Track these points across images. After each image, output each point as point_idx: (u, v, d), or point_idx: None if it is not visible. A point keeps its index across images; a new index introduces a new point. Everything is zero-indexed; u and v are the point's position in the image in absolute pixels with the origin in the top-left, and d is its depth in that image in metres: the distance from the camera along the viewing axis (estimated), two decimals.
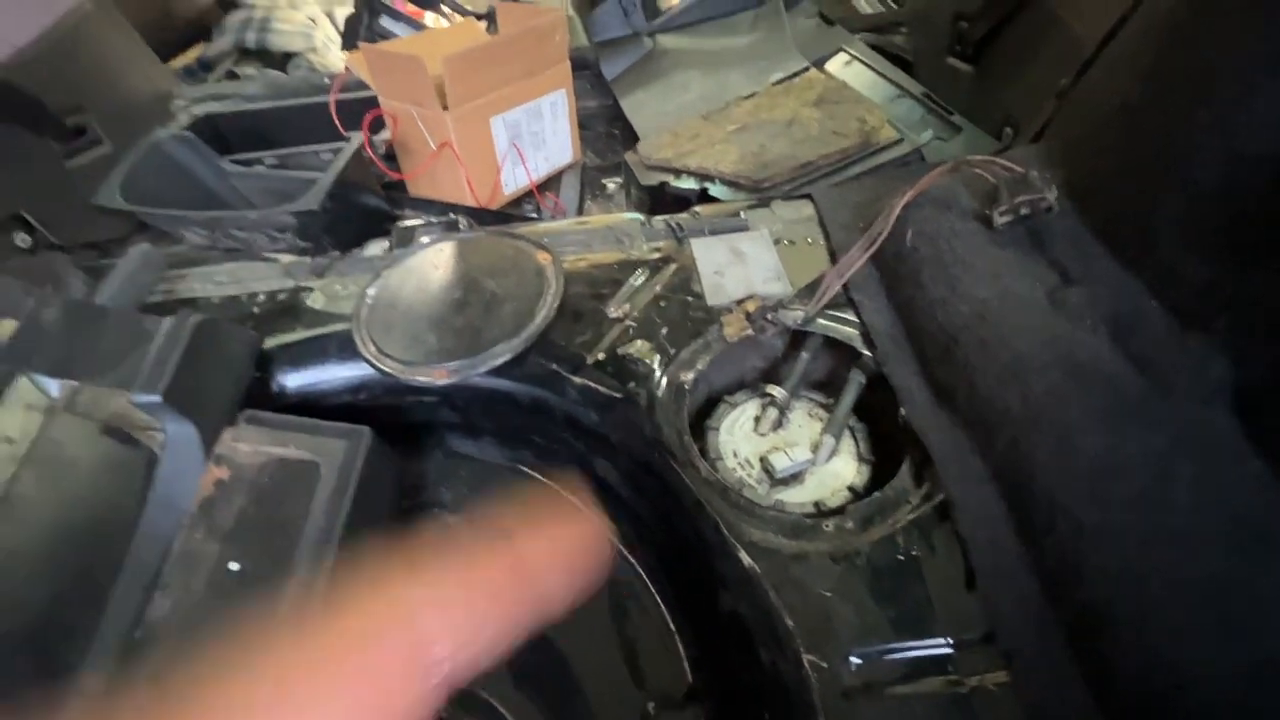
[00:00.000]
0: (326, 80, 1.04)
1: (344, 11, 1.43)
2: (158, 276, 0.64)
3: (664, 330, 0.57)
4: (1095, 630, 0.33)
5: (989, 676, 0.36)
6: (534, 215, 0.88)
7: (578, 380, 0.55)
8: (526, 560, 0.15)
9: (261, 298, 0.64)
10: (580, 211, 0.91)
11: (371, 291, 0.62)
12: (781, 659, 0.39)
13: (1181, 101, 0.43)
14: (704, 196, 0.76)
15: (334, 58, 1.41)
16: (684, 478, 0.47)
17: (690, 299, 0.59)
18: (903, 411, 0.48)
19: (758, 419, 0.54)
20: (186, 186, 0.84)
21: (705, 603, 0.47)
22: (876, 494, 0.44)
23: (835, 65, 0.90)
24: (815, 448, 0.51)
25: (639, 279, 0.61)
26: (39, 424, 0.46)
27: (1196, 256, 0.40)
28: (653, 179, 0.80)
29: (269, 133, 0.98)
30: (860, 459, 0.51)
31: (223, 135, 0.98)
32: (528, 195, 0.91)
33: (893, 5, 1.09)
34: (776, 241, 0.64)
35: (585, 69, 1.05)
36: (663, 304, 0.59)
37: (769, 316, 0.56)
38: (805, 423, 0.54)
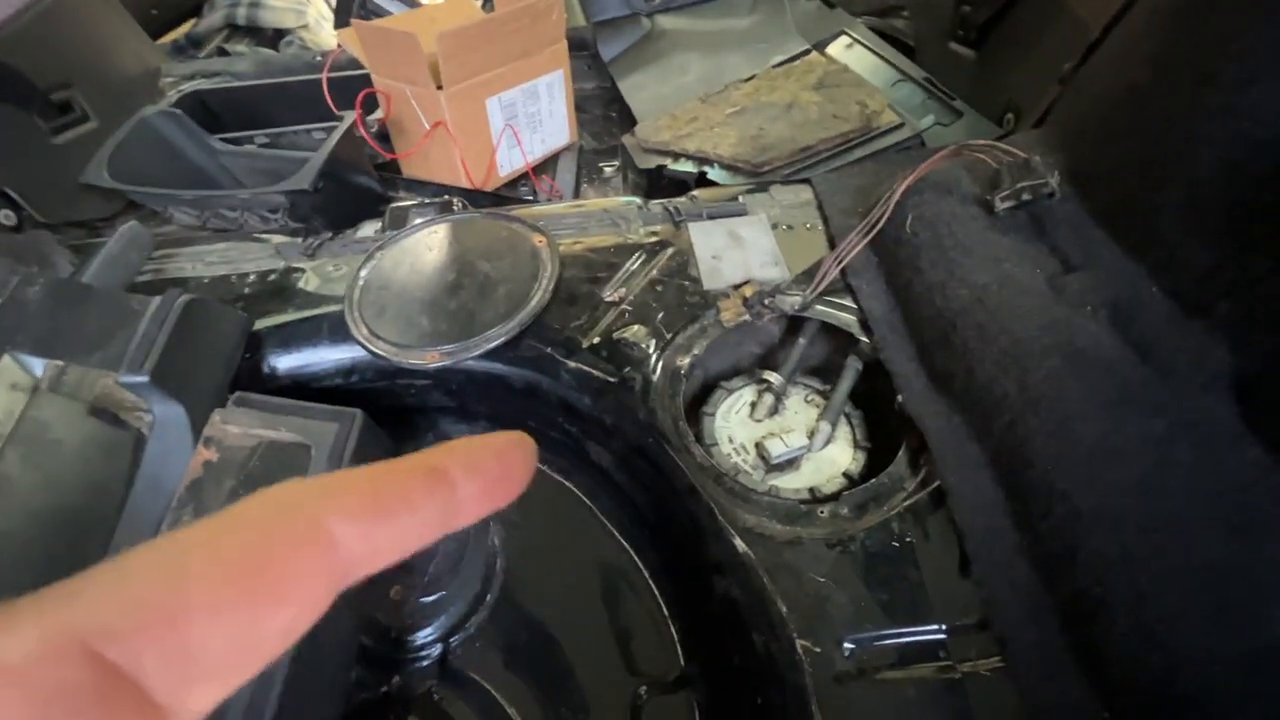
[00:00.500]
0: (318, 58, 1.02)
1: None
2: (145, 256, 0.63)
3: (660, 314, 0.56)
4: (1090, 615, 0.33)
5: (982, 662, 0.36)
6: (529, 198, 0.87)
7: (572, 364, 0.54)
8: (440, 465, 0.15)
9: (252, 278, 0.63)
10: (576, 195, 0.90)
11: (364, 273, 0.61)
12: (774, 644, 0.39)
13: (1186, 87, 0.42)
14: (702, 180, 0.75)
15: (326, 35, 1.39)
16: (678, 463, 0.46)
17: (687, 283, 0.59)
18: (899, 398, 0.48)
19: (754, 405, 0.54)
20: (175, 165, 0.83)
21: (698, 587, 0.47)
22: (872, 481, 0.44)
23: (836, 49, 0.89)
24: (811, 434, 0.51)
25: (635, 263, 0.61)
26: (23, 404, 0.46)
27: (1198, 242, 0.40)
28: (650, 162, 0.79)
29: (260, 111, 0.97)
30: (856, 445, 0.51)
31: (212, 113, 0.96)
32: (523, 177, 0.89)
33: None
34: (775, 226, 0.63)
35: (583, 50, 1.04)
36: (659, 288, 0.58)
37: (766, 302, 0.55)
38: (801, 409, 0.54)
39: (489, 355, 0.55)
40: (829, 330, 0.56)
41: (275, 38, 1.37)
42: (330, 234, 0.67)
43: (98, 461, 0.46)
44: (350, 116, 0.73)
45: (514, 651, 0.51)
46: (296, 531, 0.13)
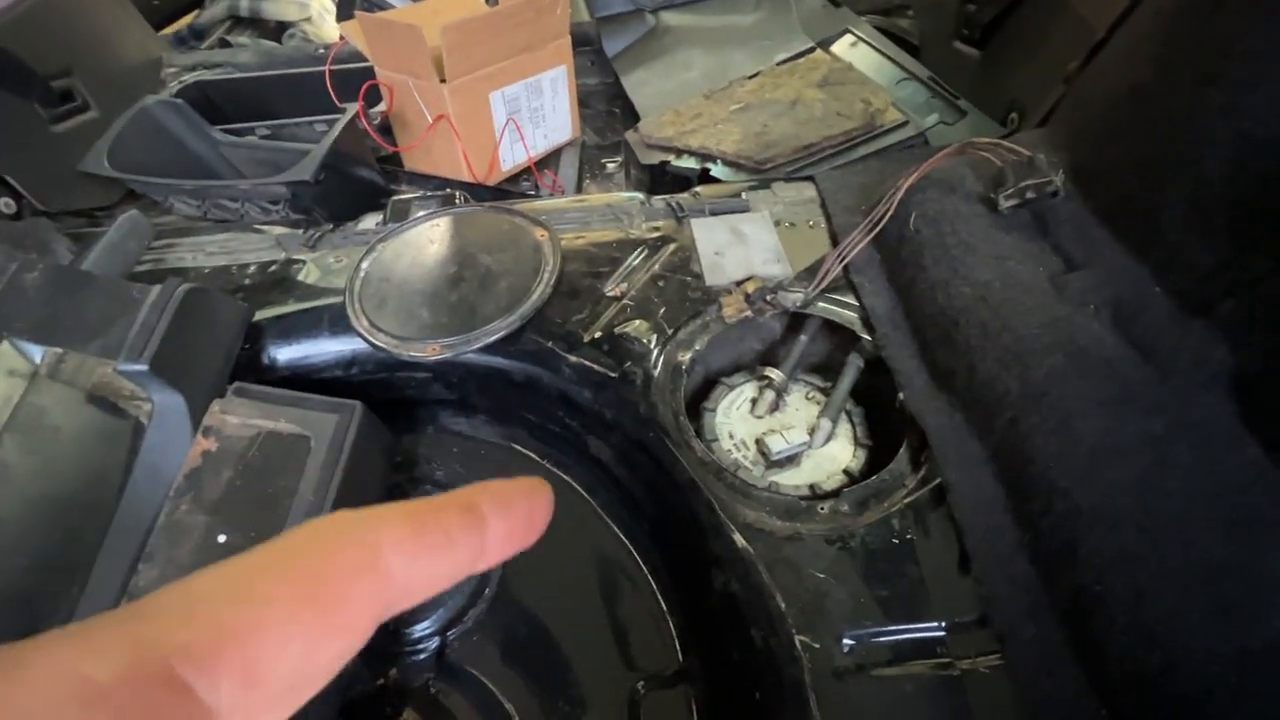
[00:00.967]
0: (321, 50, 1.02)
1: None
2: (145, 245, 0.63)
3: (661, 310, 0.56)
4: (1089, 612, 0.33)
5: (981, 659, 0.36)
6: (532, 192, 0.87)
7: (573, 358, 0.54)
8: (475, 505, 0.16)
9: (252, 269, 0.63)
10: (579, 190, 0.90)
11: (365, 265, 0.61)
12: (773, 639, 0.39)
13: (1188, 87, 0.42)
14: (705, 176, 0.75)
15: (329, 28, 1.38)
16: (679, 457, 0.46)
17: (689, 279, 0.59)
18: (901, 395, 0.48)
19: (754, 401, 0.54)
20: (176, 155, 0.83)
21: (697, 582, 0.46)
22: (872, 478, 0.44)
23: (841, 47, 0.89)
24: (812, 431, 0.51)
25: (637, 258, 0.61)
26: (21, 390, 0.45)
27: (1201, 242, 0.40)
28: (653, 158, 0.79)
29: (262, 102, 0.96)
30: (857, 443, 0.51)
31: (214, 104, 0.96)
32: (525, 172, 0.89)
33: None
34: (777, 223, 0.63)
35: (586, 45, 1.04)
36: (661, 284, 0.58)
37: (768, 298, 0.55)
38: (802, 406, 0.54)
39: (490, 349, 0.55)
40: (831, 327, 0.56)
41: (278, 30, 1.36)
42: (331, 226, 0.67)
43: (96, 449, 0.46)
44: (352, 109, 0.73)
45: (512, 645, 0.51)
46: (357, 558, 0.14)
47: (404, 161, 0.87)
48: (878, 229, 0.54)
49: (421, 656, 0.51)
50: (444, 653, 0.51)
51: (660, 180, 0.80)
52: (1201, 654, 0.30)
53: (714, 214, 0.65)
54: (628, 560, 0.53)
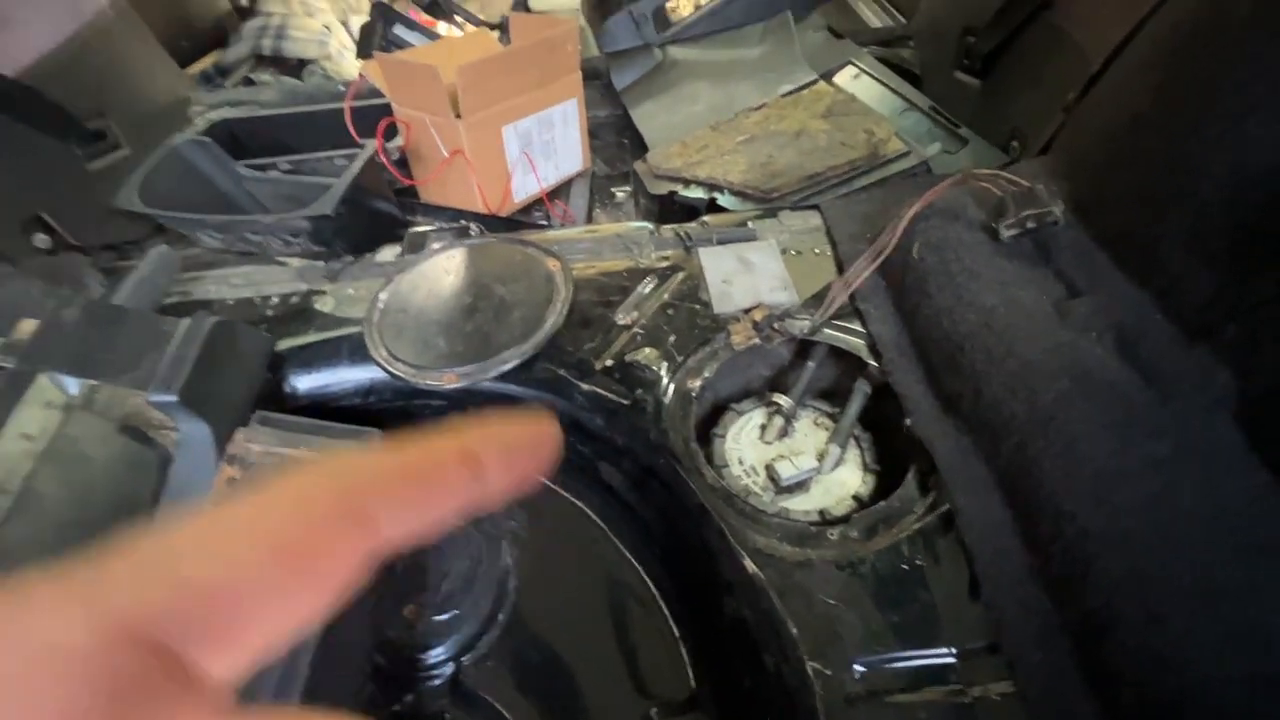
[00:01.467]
0: (341, 87, 1.06)
1: (359, 20, 1.45)
2: (173, 278, 0.65)
3: (671, 338, 0.57)
4: (1100, 637, 0.33)
5: (993, 686, 0.36)
6: (544, 223, 0.89)
7: (585, 386, 0.55)
8: (472, 450, 0.15)
9: (275, 300, 0.65)
10: (589, 219, 0.92)
11: (383, 296, 0.63)
12: (785, 665, 0.39)
13: (1188, 115, 0.43)
14: (712, 206, 0.77)
15: (348, 65, 1.43)
16: (689, 484, 0.47)
17: (698, 307, 0.60)
18: (908, 420, 0.49)
19: (764, 427, 0.55)
20: (203, 190, 0.86)
21: (709, 608, 0.47)
22: (881, 503, 0.45)
23: (844, 78, 0.91)
24: (821, 456, 0.51)
25: (647, 287, 0.62)
26: (58, 421, 0.47)
27: (1202, 267, 0.41)
28: (662, 188, 0.81)
29: (284, 138, 1.00)
30: (866, 468, 0.51)
31: (239, 140, 0.99)
32: (537, 203, 0.92)
33: (900, 19, 1.10)
34: (784, 251, 0.65)
35: (595, 79, 1.07)
36: (670, 312, 0.60)
37: (776, 325, 0.56)
38: (811, 431, 0.55)
39: (504, 377, 0.56)
40: (838, 354, 0.57)
41: (299, 67, 1.41)
42: (351, 258, 0.69)
43: (126, 478, 0.48)
44: (371, 145, 0.76)
45: (525, 672, 0.52)
46: (337, 511, 0.13)
47: (420, 194, 0.90)
48: (883, 257, 0.56)
49: (436, 683, 0.51)
50: (458, 679, 0.51)
51: (669, 210, 0.82)
52: (1213, 679, 0.30)
53: (721, 243, 0.67)
54: (640, 586, 0.54)
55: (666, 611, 0.52)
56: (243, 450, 0.50)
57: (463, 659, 0.52)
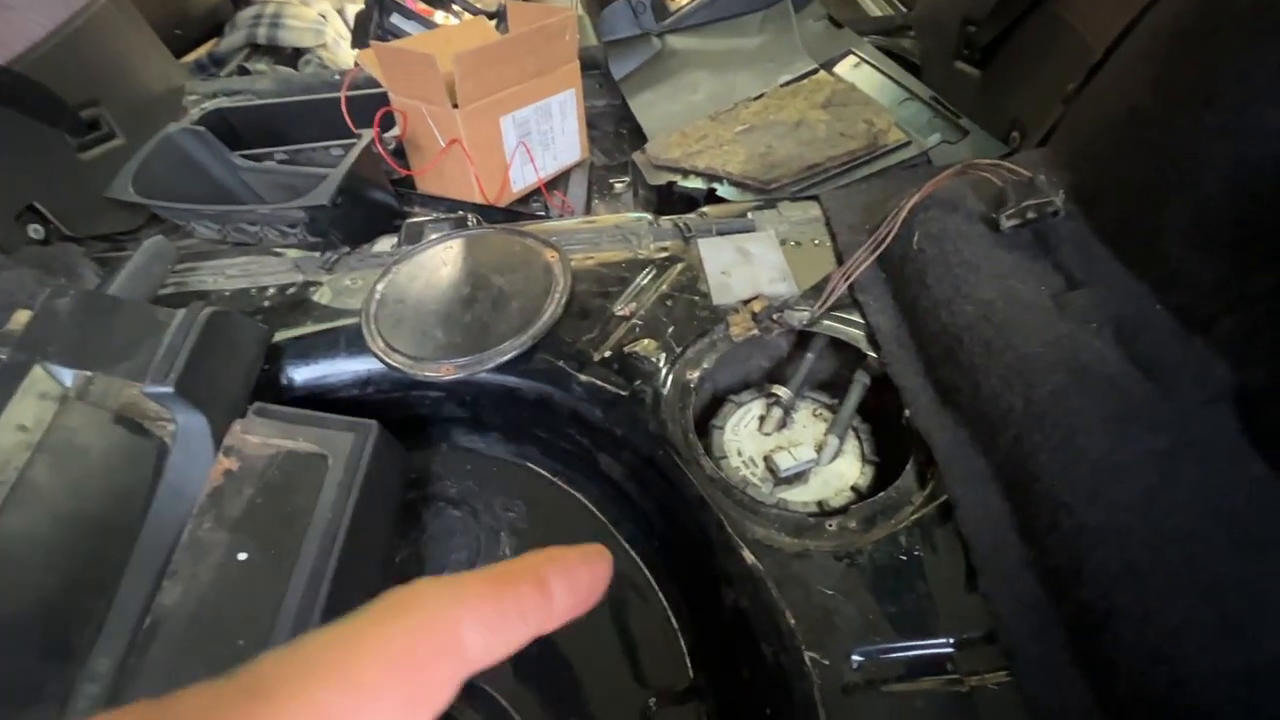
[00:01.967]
0: (336, 77, 1.05)
1: (354, 8, 1.44)
2: (169, 269, 0.65)
3: (670, 329, 0.57)
4: (1096, 628, 0.33)
5: (989, 676, 0.36)
6: (542, 213, 0.89)
7: (584, 377, 0.55)
8: (545, 578, 0.17)
9: (271, 291, 0.65)
10: (588, 210, 0.92)
11: (380, 287, 0.62)
12: (783, 655, 0.39)
13: (1189, 107, 0.43)
14: (711, 197, 0.76)
15: (344, 54, 1.42)
16: (688, 474, 0.47)
17: (696, 298, 0.60)
18: (907, 412, 0.49)
19: (762, 418, 0.55)
20: (197, 180, 0.85)
21: (707, 599, 0.47)
22: (880, 494, 0.45)
23: (844, 68, 0.90)
24: (819, 448, 0.51)
25: (646, 278, 0.62)
26: (53, 412, 0.47)
27: (1202, 260, 0.40)
28: (660, 179, 0.80)
29: (280, 128, 0.99)
30: (864, 460, 0.51)
31: (234, 130, 0.98)
32: (535, 193, 0.91)
33: (901, 8, 1.09)
34: (783, 242, 0.64)
35: (594, 69, 1.06)
36: (669, 303, 0.59)
37: (775, 316, 0.56)
38: (810, 423, 0.55)
39: (502, 368, 0.56)
40: (837, 345, 0.56)
41: (294, 56, 1.40)
42: (347, 248, 0.69)
43: (122, 469, 0.48)
44: (368, 134, 0.75)
45: (523, 662, 0.52)
46: (441, 641, 0.15)
47: (417, 184, 0.89)
48: (882, 248, 0.55)
49: None
50: None
51: (667, 200, 0.82)
52: (1209, 671, 0.30)
53: (721, 234, 0.66)
54: (639, 576, 0.54)
55: (665, 602, 0.52)
56: (240, 442, 0.50)
57: None
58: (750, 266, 0.62)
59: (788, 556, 0.42)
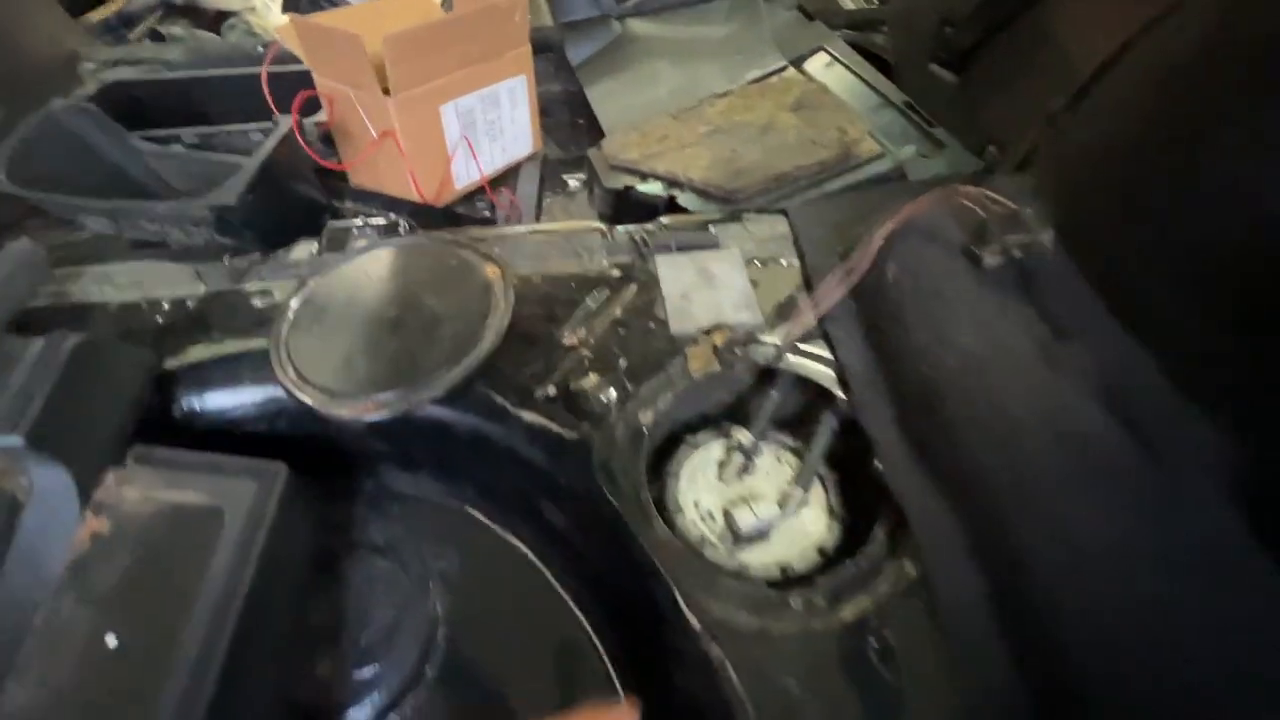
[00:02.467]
0: (260, 48, 0.94)
1: None
2: (38, 281, 0.56)
3: (622, 362, 0.51)
4: None
5: None
6: (488, 213, 0.81)
7: (525, 416, 0.49)
8: None
9: (167, 306, 0.57)
10: (539, 210, 0.84)
11: (295, 304, 0.55)
12: None
13: (1190, 152, 0.39)
14: (672, 205, 0.70)
15: (276, 19, 1.29)
16: (639, 539, 0.42)
17: (653, 325, 0.54)
18: (877, 463, 0.45)
19: (722, 464, 0.50)
20: (90, 166, 0.74)
21: (659, 678, 0.42)
22: (849, 563, 0.41)
23: (815, 66, 0.85)
24: (783, 500, 0.47)
25: (597, 300, 0.56)
26: None
27: (1201, 321, 0.37)
28: (617, 181, 0.74)
29: (194, 106, 0.88)
30: (831, 513, 0.47)
31: (140, 105, 0.87)
32: (481, 190, 0.83)
33: (876, 2, 1.04)
34: (749, 262, 0.59)
35: (548, 51, 0.98)
36: (622, 330, 0.54)
37: (738, 351, 0.51)
38: (773, 468, 0.50)
39: (433, 402, 0.50)
40: (804, 381, 0.52)
41: (217, 20, 1.27)
42: (260, 255, 0.61)
43: None
44: (285, 123, 0.66)
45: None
46: None
47: (349, 177, 0.80)
48: (854, 278, 0.51)
49: None
50: None
51: (625, 203, 0.75)
52: None
53: (681, 249, 0.61)
54: (583, 640, 0.49)
55: (612, 671, 0.47)
56: (113, 497, 0.43)
57: (386, 718, 0.47)
58: (712, 290, 0.57)
59: (747, 638, 0.38)
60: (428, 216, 0.76)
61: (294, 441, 0.54)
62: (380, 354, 0.51)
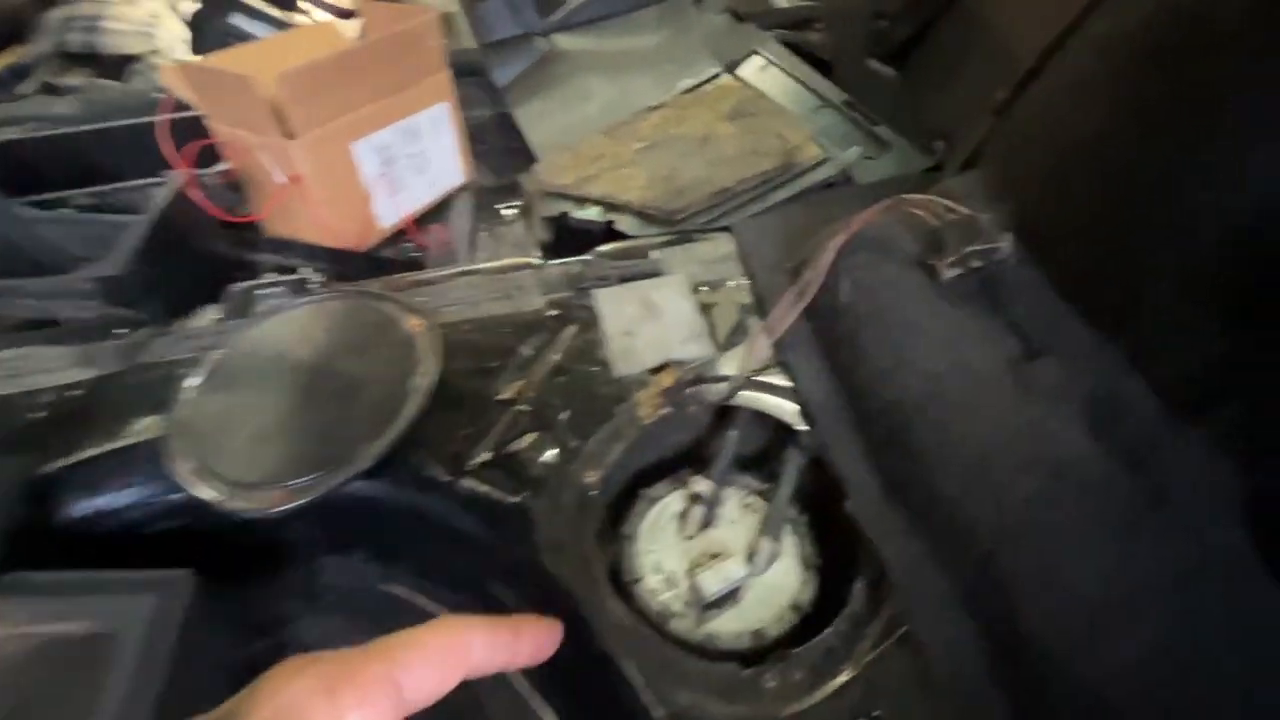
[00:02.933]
0: (156, 94, 0.87)
1: (193, 6, 1.23)
2: None
3: (564, 415, 0.47)
4: None
5: None
6: (416, 254, 0.76)
7: (461, 485, 0.44)
8: (521, 632, 0.25)
9: (48, 396, 0.50)
10: (473, 244, 0.79)
11: (192, 382, 0.49)
12: None
13: (1173, 137, 0.36)
14: (611, 231, 0.66)
15: (184, 59, 1.22)
16: (591, 623, 0.37)
17: (595, 369, 0.50)
18: (848, 505, 0.40)
19: (682, 516, 0.45)
20: None
21: None
22: (828, 631, 0.36)
23: (750, 70, 0.81)
24: (752, 554, 0.42)
25: (532, 347, 0.51)
26: None
27: (1192, 328, 0.33)
28: (552, 209, 0.69)
29: (89, 163, 0.81)
30: (805, 564, 0.43)
31: (29, 167, 0.80)
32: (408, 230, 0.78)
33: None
34: (695, 288, 0.55)
35: (472, 75, 0.93)
36: (562, 380, 0.49)
37: (689, 391, 0.47)
38: (739, 516, 0.46)
39: (356, 478, 0.44)
40: (765, 416, 0.48)
41: (121, 65, 1.19)
42: (154, 329, 0.55)
43: None
44: (176, 179, 0.60)
45: None
46: (459, 653, 0.22)
47: (263, 227, 0.74)
48: (806, 300, 0.47)
49: None
50: None
51: (564, 230, 0.71)
52: None
53: (622, 280, 0.56)
54: None
55: None
56: None
57: None
58: (658, 323, 0.52)
59: None
60: (350, 263, 0.71)
61: (207, 538, 0.48)
62: (292, 432, 0.46)
